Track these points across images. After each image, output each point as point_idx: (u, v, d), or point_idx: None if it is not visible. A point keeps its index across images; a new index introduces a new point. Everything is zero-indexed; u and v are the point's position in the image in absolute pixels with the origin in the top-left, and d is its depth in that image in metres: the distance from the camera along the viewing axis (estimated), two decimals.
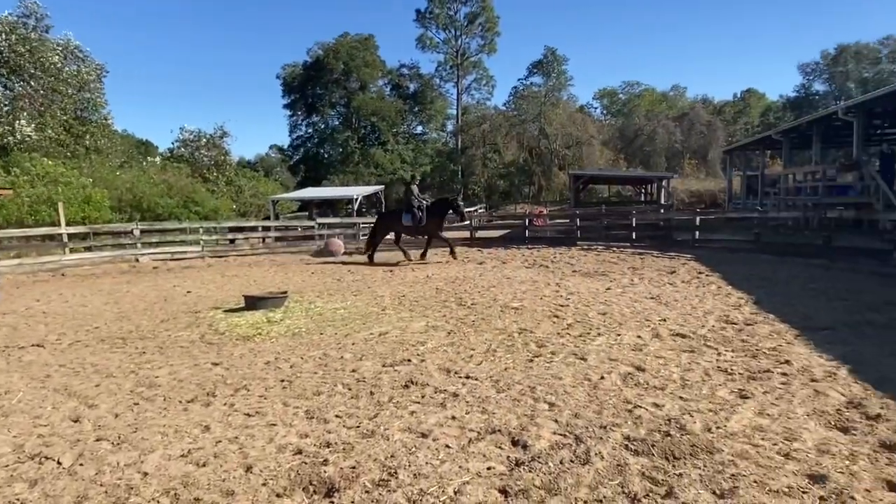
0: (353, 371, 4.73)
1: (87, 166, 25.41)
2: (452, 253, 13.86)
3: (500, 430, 3.35)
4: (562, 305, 7.37)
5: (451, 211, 13.76)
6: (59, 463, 3.14)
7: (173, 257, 15.50)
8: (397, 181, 48.79)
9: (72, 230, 14.52)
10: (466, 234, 18.17)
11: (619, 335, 5.65)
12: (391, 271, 12.07)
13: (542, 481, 2.72)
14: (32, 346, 6.11)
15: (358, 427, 3.50)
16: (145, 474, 2.96)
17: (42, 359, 5.57)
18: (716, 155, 46.21)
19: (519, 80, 56.70)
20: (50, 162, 22.74)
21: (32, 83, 26.93)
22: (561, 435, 3.27)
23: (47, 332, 6.88)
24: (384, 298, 8.49)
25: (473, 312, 7.12)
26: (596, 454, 2.97)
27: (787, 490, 2.57)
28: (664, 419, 3.43)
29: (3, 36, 26.03)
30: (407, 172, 50.04)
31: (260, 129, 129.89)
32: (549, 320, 6.48)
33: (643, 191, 33.66)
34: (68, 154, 26.78)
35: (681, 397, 3.82)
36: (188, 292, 9.81)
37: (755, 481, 2.65)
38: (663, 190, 26.88)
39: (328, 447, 3.21)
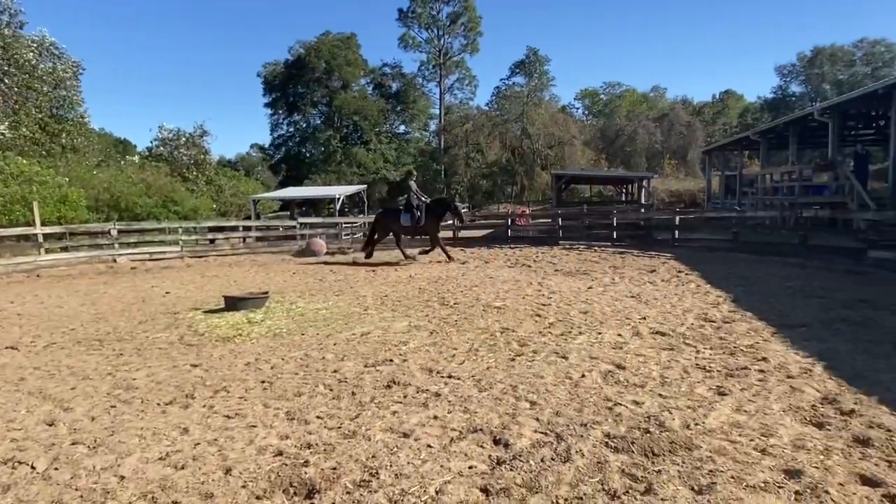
0: (335, 372, 4.70)
1: (64, 165, 24.85)
2: (447, 255, 13.44)
3: (481, 430, 3.36)
4: (544, 304, 7.41)
5: (448, 213, 13.64)
6: (32, 467, 3.08)
7: (152, 257, 15.27)
8: (380, 181, 48.67)
9: (47, 230, 14.19)
10: (449, 233, 18.15)
11: (600, 334, 5.70)
12: (374, 271, 12.02)
13: (523, 479, 2.73)
14: (6, 348, 5.97)
15: (339, 428, 3.48)
16: (122, 478, 2.91)
17: (16, 361, 5.45)
18: (695, 155, 46.77)
19: (501, 80, 56.88)
20: (25, 161, 22.18)
21: (6, 80, 26.28)
22: (542, 433, 3.29)
23: (22, 333, 6.73)
24: (367, 298, 8.46)
25: (456, 312, 7.13)
26: (577, 452, 2.99)
27: (763, 485, 2.61)
28: (644, 416, 3.47)
29: None
30: (390, 172, 49.99)
31: (241, 128, 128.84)
32: (531, 319, 6.51)
33: (624, 191, 33.93)
34: (44, 153, 26.17)
35: (660, 394, 3.87)
36: (167, 293, 9.67)
37: (733, 477, 2.69)
38: (644, 190, 27.11)
39: (309, 448, 3.19)
